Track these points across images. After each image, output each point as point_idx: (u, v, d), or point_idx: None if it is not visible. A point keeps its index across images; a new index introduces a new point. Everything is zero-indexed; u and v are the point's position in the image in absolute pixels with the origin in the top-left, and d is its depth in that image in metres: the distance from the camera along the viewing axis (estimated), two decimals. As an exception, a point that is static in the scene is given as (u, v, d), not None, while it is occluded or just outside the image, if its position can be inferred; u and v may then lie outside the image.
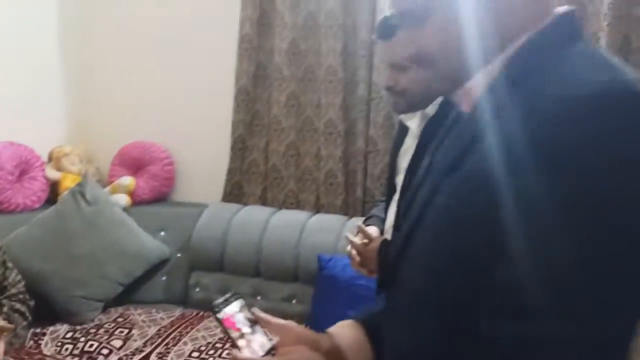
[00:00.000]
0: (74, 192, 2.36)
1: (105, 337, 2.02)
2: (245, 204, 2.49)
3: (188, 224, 2.43)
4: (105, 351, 1.95)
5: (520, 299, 0.55)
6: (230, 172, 2.54)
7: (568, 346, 0.54)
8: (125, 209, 2.45)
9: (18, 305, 1.72)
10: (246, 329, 0.81)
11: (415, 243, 0.69)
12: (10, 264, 1.77)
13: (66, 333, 2.05)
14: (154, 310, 2.19)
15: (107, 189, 2.52)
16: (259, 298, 2.24)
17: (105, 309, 2.20)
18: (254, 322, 0.83)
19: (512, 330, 0.55)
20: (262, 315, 0.84)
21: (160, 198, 2.65)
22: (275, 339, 0.82)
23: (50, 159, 2.62)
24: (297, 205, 2.44)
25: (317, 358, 0.78)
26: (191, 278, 2.37)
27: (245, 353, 0.78)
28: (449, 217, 0.63)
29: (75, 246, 2.22)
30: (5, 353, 1.54)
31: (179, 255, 2.41)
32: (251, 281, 2.27)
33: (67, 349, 1.97)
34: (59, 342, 2.00)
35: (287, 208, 2.43)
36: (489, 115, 0.62)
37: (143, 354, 1.92)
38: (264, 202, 2.50)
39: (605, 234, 0.53)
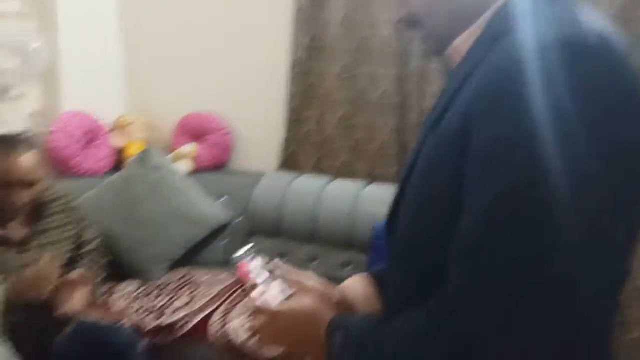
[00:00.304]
0: (139, 159, 2.49)
1: (173, 294, 2.15)
2: (301, 173, 2.56)
3: (246, 191, 2.52)
4: (172, 307, 2.08)
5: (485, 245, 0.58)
6: (286, 142, 2.62)
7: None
8: (187, 176, 2.57)
9: (95, 261, 1.86)
10: (262, 280, 0.86)
11: (407, 192, 0.73)
12: (87, 222, 1.90)
13: (136, 289, 2.19)
14: (216, 271, 2.31)
15: (170, 156, 2.64)
16: (315, 263, 2.33)
17: (171, 269, 2.33)
18: (271, 274, 0.87)
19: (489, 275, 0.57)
20: (280, 267, 0.88)
21: (220, 166, 2.76)
22: (291, 291, 0.85)
23: (115, 127, 2.75)
24: (351, 175, 2.49)
25: (324, 306, 0.80)
26: (251, 243, 2.46)
27: (259, 303, 0.83)
28: (429, 166, 0.67)
29: (141, 210, 2.35)
30: (90, 303, 1.66)
31: (238, 220, 2.52)
32: (308, 247, 2.36)
33: (137, 304, 2.11)
34: (129, 297, 2.15)
35: (341, 178, 2.48)
36: (466, 71, 0.66)
37: (209, 310, 2.04)
38: (318, 171, 2.56)
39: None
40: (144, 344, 1.87)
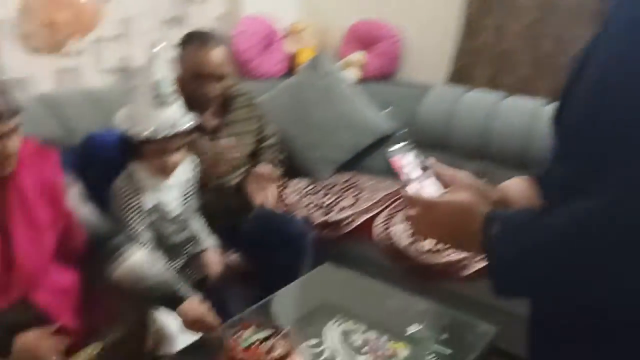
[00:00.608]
0: (310, 65, 2.55)
1: (339, 194, 2.24)
2: (473, 87, 2.45)
3: (413, 102, 2.48)
4: (339, 206, 2.17)
5: None
6: (459, 53, 2.49)
7: None
8: (355, 84, 2.59)
9: (275, 154, 1.98)
10: (417, 175, 0.83)
11: (580, 81, 0.69)
12: (267, 118, 2.01)
13: (306, 186, 2.32)
14: (380, 178, 2.35)
15: (339, 63, 2.66)
16: (483, 181, 2.26)
17: (337, 171, 2.43)
18: (426, 170, 0.85)
19: None
20: (436, 165, 0.86)
21: (387, 76, 2.74)
22: (446, 189, 0.83)
23: (289, 33, 2.83)
24: (531, 92, 2.31)
25: (481, 201, 0.77)
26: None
27: (414, 193, 0.82)
28: (609, 52, 0.64)
29: (312, 114, 2.44)
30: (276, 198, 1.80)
31: (403, 132, 2.50)
32: (476, 164, 2.27)
33: (305, 201, 2.24)
34: (300, 193, 2.28)
35: (518, 94, 2.32)
36: None
37: (372, 213, 2.11)
38: (493, 86, 2.42)
39: None
40: (313, 235, 2.00)
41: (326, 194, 2.25)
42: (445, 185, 0.85)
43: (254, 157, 1.96)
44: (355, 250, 2.11)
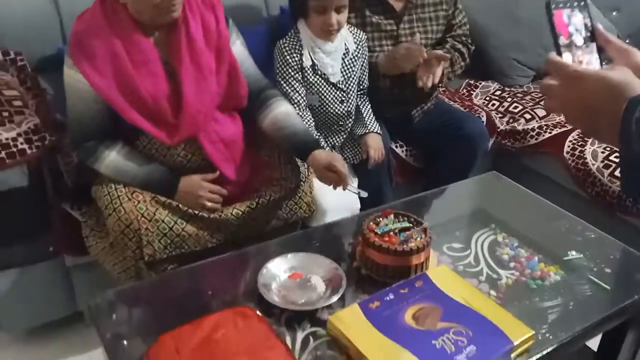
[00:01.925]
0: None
1: (530, 104, 2.01)
2: None
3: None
4: (527, 116, 1.96)
5: None
6: None
7: None
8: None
9: (459, 46, 1.81)
10: (578, 41, 0.68)
11: None
12: (460, 6, 1.83)
13: (495, 91, 2.12)
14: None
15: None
16: None
17: (534, 79, 2.16)
18: (591, 38, 0.69)
19: None
20: (604, 33, 0.70)
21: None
22: (608, 64, 0.68)
23: None
24: None
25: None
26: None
27: (561, 59, 0.67)
28: None
29: (523, 8, 2.16)
30: (440, 80, 1.67)
31: (627, 41, 2.11)
32: None
33: (493, 104, 2.06)
34: (487, 96, 2.10)
35: None
36: None
37: (566, 128, 1.86)
38: None
39: None
40: (492, 139, 1.85)
41: (515, 102, 2.03)
42: (609, 60, 0.69)
43: (437, 46, 1.81)
44: (532, 164, 1.91)
